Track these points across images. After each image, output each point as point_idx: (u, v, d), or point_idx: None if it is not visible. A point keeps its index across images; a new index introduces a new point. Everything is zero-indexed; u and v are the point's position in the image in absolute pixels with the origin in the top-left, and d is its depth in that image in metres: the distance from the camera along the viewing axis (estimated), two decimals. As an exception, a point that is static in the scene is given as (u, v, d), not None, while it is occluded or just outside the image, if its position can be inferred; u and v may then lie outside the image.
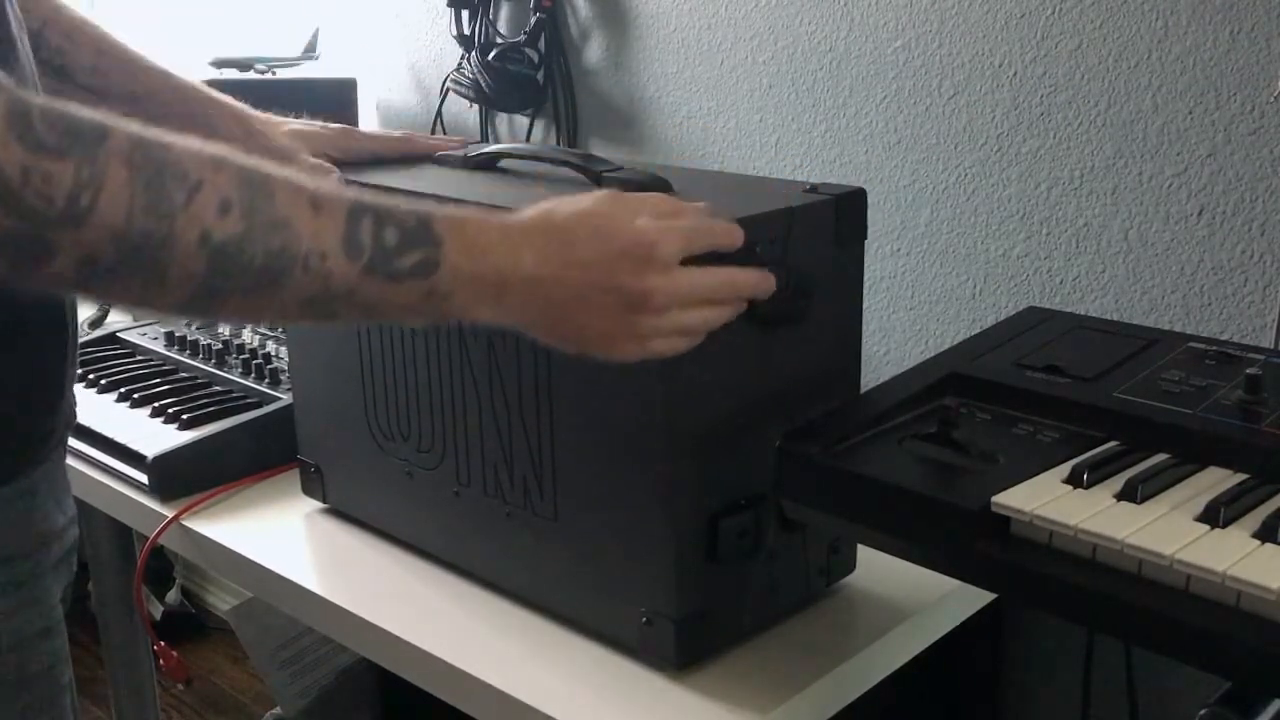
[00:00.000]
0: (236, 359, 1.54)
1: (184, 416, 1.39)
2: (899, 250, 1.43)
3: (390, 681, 1.12)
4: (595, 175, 1.04)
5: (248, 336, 1.60)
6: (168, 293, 0.68)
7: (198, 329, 1.66)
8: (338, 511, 1.26)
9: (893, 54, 1.39)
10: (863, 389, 1.05)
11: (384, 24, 2.02)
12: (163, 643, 1.38)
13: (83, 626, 1.48)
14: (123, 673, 1.78)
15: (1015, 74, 1.30)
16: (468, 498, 1.08)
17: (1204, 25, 1.16)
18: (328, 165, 1.12)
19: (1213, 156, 1.18)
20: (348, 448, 1.20)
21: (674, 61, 1.62)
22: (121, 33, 1.13)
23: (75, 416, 0.98)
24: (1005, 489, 0.79)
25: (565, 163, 1.08)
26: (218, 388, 1.50)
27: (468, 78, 1.78)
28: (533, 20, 1.73)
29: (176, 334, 1.64)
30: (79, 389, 1.51)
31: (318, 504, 1.27)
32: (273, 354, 1.53)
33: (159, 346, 1.64)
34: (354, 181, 1.10)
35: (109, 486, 1.35)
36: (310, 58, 2.04)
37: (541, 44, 1.75)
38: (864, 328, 1.05)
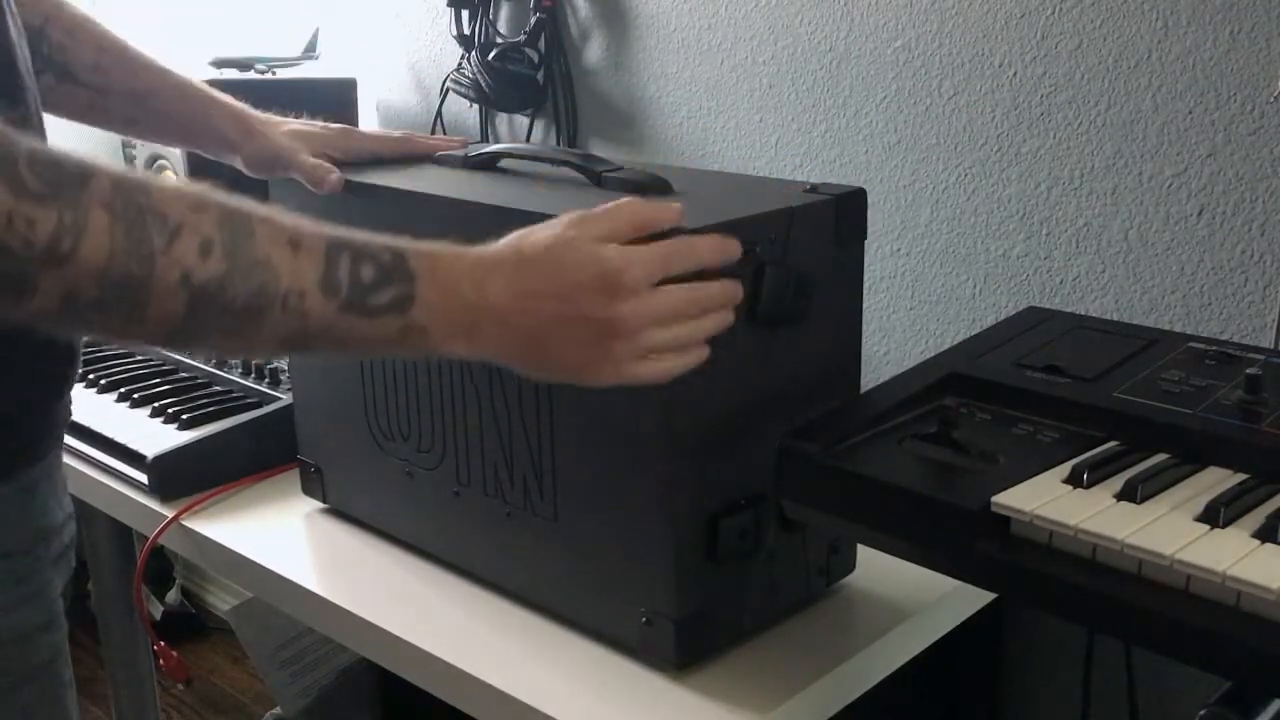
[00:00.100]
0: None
1: (184, 416, 1.40)
2: (899, 250, 1.43)
3: (390, 681, 1.12)
4: (595, 175, 1.04)
5: (248, 336, 1.60)
6: (148, 330, 0.69)
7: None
8: (338, 511, 1.26)
9: (893, 54, 1.39)
10: (863, 389, 1.05)
11: (384, 24, 2.02)
12: (163, 643, 1.38)
13: (83, 626, 1.48)
14: (123, 673, 1.78)
15: (1015, 74, 1.30)
16: (468, 498, 1.08)
17: (1204, 25, 1.16)
18: (327, 165, 1.12)
19: (1213, 156, 1.18)
20: (348, 448, 1.20)
21: (674, 61, 1.62)
22: (122, 31, 1.13)
23: (71, 413, 0.98)
24: (1005, 489, 0.79)
25: (565, 163, 1.08)
26: (218, 388, 1.50)
27: (468, 78, 1.78)
28: (533, 20, 1.73)
29: (176, 334, 1.64)
30: (79, 388, 1.52)
31: (318, 504, 1.27)
32: (273, 354, 1.53)
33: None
34: (354, 181, 1.11)
35: (109, 486, 1.35)
36: (310, 58, 2.04)
37: (541, 44, 1.75)
38: (864, 328, 1.05)
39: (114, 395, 1.50)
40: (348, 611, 1.08)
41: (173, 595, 2.79)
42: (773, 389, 0.96)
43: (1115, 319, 1.21)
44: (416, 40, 1.97)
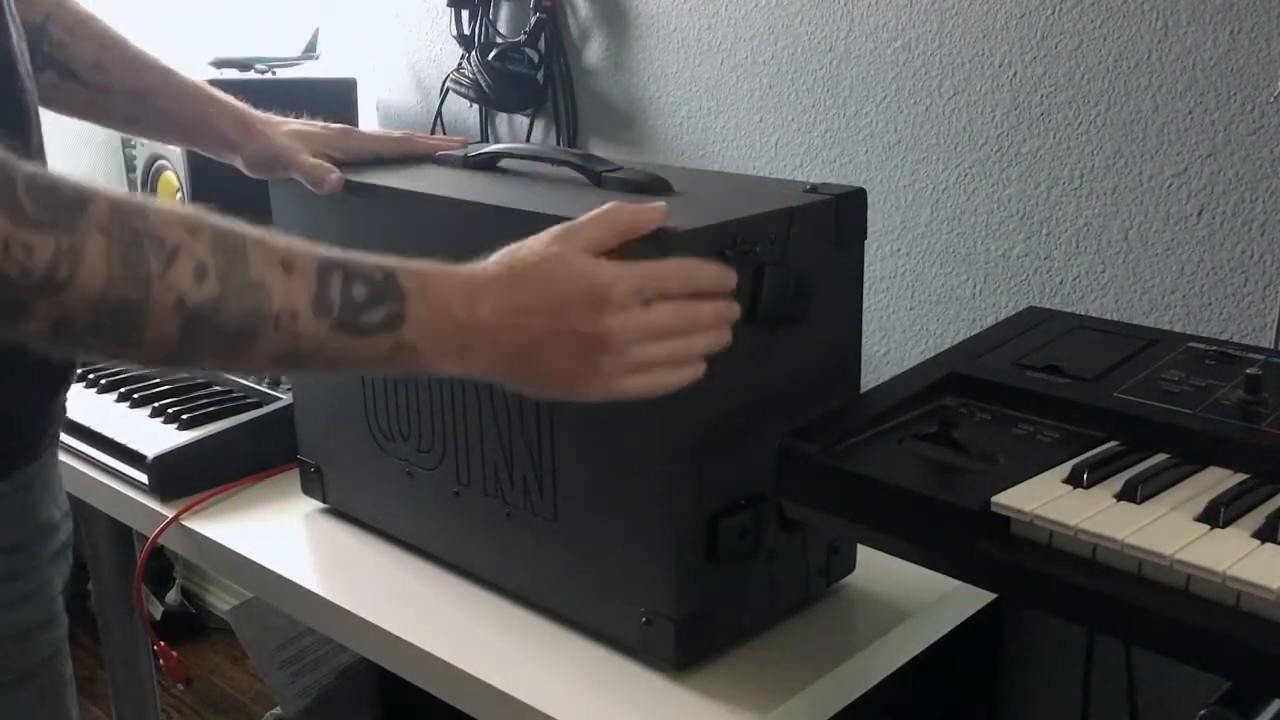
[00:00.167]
0: (236, 359, 1.54)
1: (184, 416, 1.40)
2: (899, 250, 1.43)
3: (390, 681, 1.12)
4: (595, 175, 1.04)
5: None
6: (144, 352, 0.70)
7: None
8: (338, 511, 1.26)
9: (893, 54, 1.39)
10: (863, 389, 1.05)
11: (384, 24, 2.02)
12: (163, 643, 1.38)
13: (83, 626, 1.47)
14: (123, 673, 1.78)
15: (1015, 74, 1.30)
16: (468, 498, 1.08)
17: (1204, 25, 1.16)
18: (328, 165, 1.12)
19: (1213, 156, 1.18)
20: (348, 448, 1.20)
21: (674, 61, 1.61)
22: (123, 31, 1.13)
23: (66, 410, 0.99)
24: (1005, 489, 0.79)
25: (565, 163, 1.08)
26: (218, 387, 1.50)
27: (468, 78, 1.78)
28: (533, 20, 1.73)
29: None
30: (79, 388, 1.52)
31: (318, 504, 1.27)
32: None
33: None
34: (353, 181, 1.11)
35: (109, 486, 1.35)
36: (310, 58, 2.04)
37: (541, 44, 1.75)
38: (864, 328, 1.05)
39: (114, 395, 1.50)
40: (348, 611, 1.08)
41: (173, 595, 2.79)
42: (773, 389, 0.96)
43: (1115, 319, 1.21)
44: (416, 40, 1.97)
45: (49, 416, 0.95)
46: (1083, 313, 1.22)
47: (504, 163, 1.15)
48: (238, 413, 1.38)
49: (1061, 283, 1.31)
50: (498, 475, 1.04)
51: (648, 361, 0.82)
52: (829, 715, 0.97)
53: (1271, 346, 1.13)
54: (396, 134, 1.23)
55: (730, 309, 0.86)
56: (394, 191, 1.08)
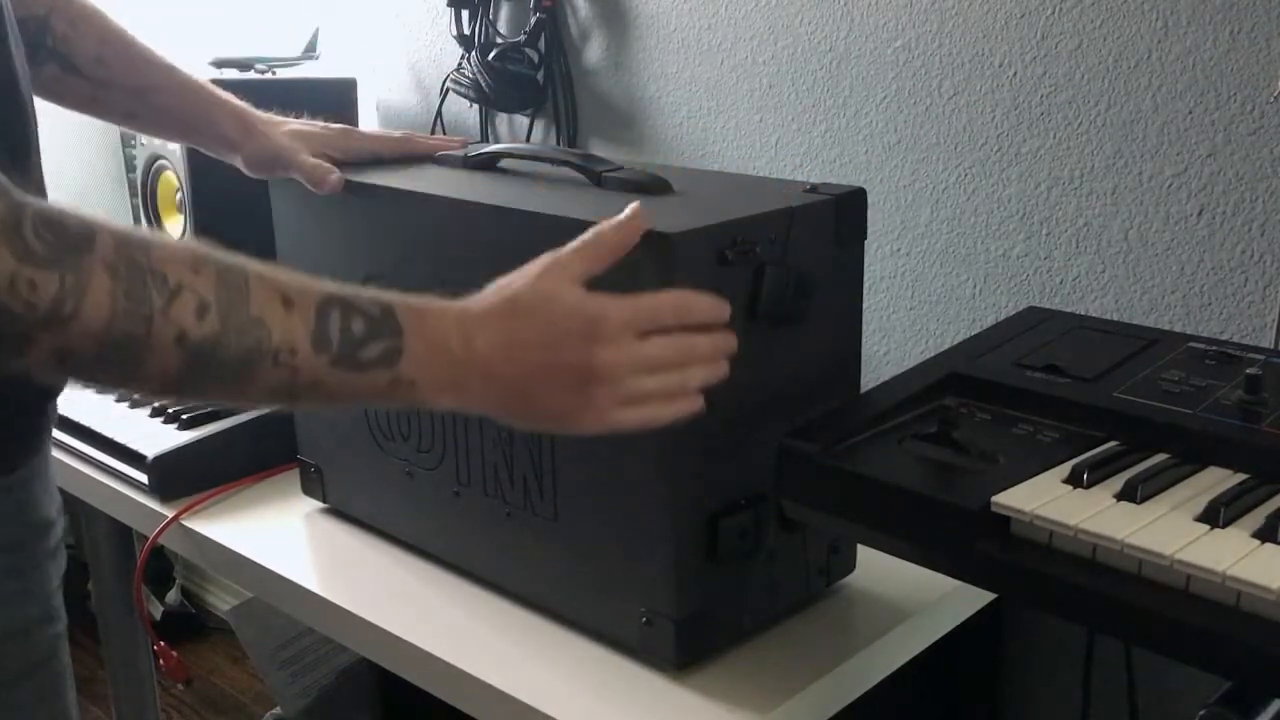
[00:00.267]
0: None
1: (184, 416, 1.39)
2: (899, 250, 1.43)
3: (390, 681, 1.12)
4: (595, 175, 1.04)
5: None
6: (143, 384, 0.71)
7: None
8: (338, 511, 1.26)
9: (893, 54, 1.39)
10: (863, 389, 1.05)
11: (384, 24, 2.02)
12: (163, 643, 1.38)
13: (83, 626, 1.48)
14: (123, 673, 1.78)
15: (1015, 74, 1.30)
16: (468, 498, 1.08)
17: (1204, 25, 1.16)
18: (328, 165, 1.12)
19: (1213, 156, 1.18)
20: (348, 448, 1.20)
21: (674, 61, 1.61)
22: (126, 25, 1.13)
23: (57, 407, 0.99)
24: (1005, 489, 0.79)
25: (565, 163, 1.08)
26: (218, 388, 1.50)
27: (468, 78, 1.78)
28: (533, 20, 1.73)
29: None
30: (79, 388, 1.51)
31: (318, 504, 1.27)
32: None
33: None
34: (354, 181, 1.11)
35: (109, 486, 1.35)
36: (310, 58, 2.04)
37: (541, 44, 1.74)
38: (864, 328, 1.05)
39: (114, 395, 1.50)
40: (348, 611, 1.08)
41: (173, 595, 2.79)
42: (773, 389, 0.96)
43: (1115, 319, 1.21)
44: (416, 40, 1.97)
45: (46, 414, 0.96)
46: (1083, 313, 1.22)
47: (504, 163, 1.15)
48: (238, 412, 1.38)
49: (1061, 283, 1.31)
50: (498, 475, 1.04)
51: (642, 394, 0.82)
52: (829, 715, 0.97)
53: (1271, 346, 1.13)
54: (396, 134, 1.23)
55: (728, 342, 0.86)
56: (394, 191, 1.08)
